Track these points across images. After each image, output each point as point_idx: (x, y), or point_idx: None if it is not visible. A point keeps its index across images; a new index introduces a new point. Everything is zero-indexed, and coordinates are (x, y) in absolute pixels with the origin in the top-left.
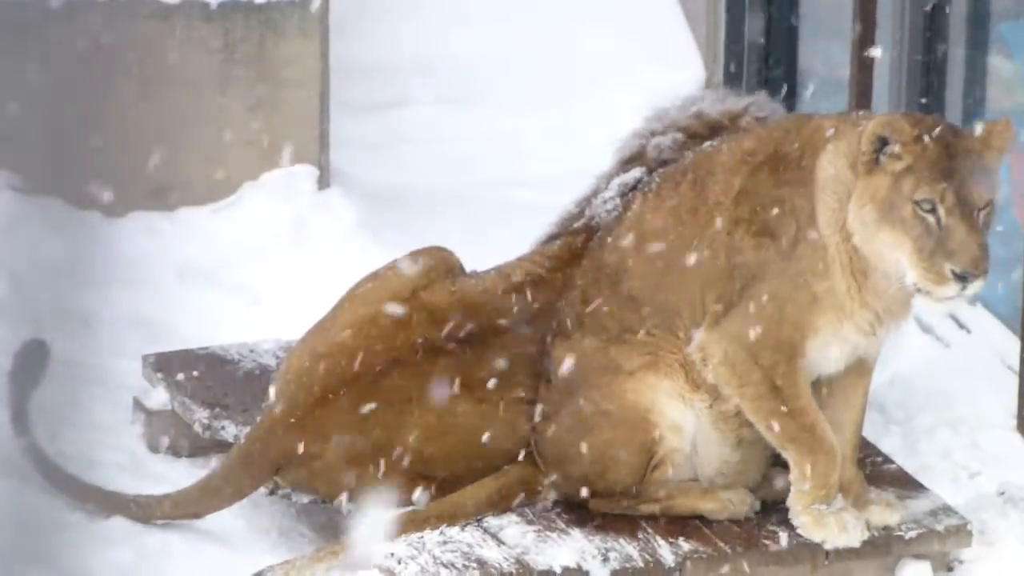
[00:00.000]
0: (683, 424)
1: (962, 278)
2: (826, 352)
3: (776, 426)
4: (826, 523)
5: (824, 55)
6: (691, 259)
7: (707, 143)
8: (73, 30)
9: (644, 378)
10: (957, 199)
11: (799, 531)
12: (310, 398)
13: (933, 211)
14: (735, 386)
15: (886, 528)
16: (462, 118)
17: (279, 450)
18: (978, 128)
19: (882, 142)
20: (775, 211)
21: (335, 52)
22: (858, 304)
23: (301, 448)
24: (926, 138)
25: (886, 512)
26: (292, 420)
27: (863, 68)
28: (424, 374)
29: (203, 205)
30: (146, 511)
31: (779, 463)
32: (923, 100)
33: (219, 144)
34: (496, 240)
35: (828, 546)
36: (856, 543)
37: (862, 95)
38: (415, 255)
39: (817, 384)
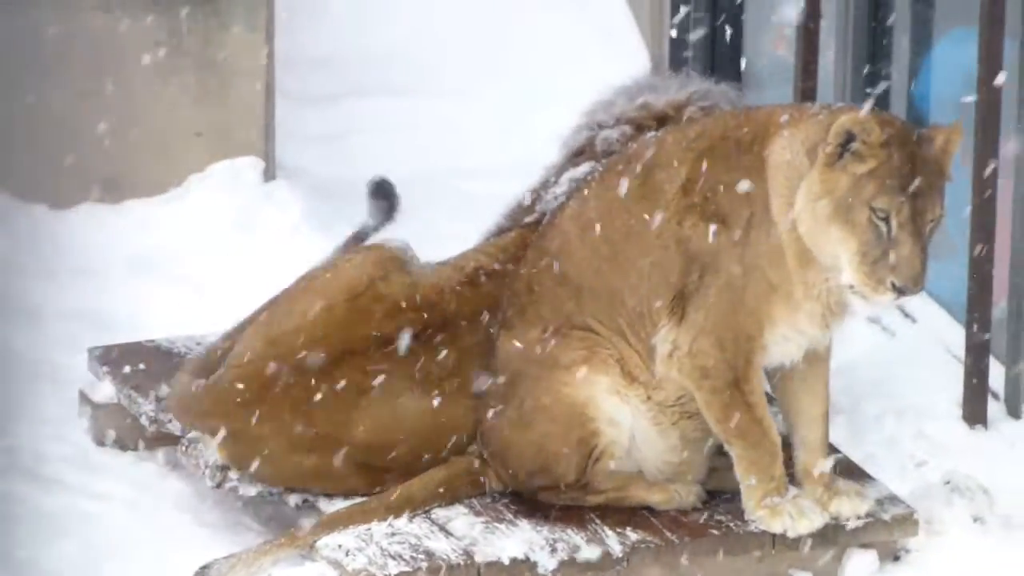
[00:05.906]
0: (620, 418)
1: (900, 290)
2: (783, 344)
3: (730, 420)
4: (782, 512)
5: (770, 39)
6: (638, 249)
7: (651, 134)
8: (18, 22)
9: (580, 372)
10: (911, 214)
11: (759, 526)
12: (261, 384)
13: (886, 220)
14: (696, 378)
15: (835, 518)
16: (409, 109)
17: (226, 411)
18: (934, 135)
19: (849, 137)
20: (728, 197)
21: (280, 44)
22: (806, 296)
23: (248, 424)
24: (892, 145)
25: (856, 501)
26: (240, 400)
27: (809, 51)
28: (377, 365)
29: (149, 197)
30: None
31: (724, 453)
32: (868, 90)
33: (165, 136)
34: (447, 231)
35: (791, 534)
36: (818, 526)
37: (807, 76)
38: (371, 247)
39: (782, 377)
